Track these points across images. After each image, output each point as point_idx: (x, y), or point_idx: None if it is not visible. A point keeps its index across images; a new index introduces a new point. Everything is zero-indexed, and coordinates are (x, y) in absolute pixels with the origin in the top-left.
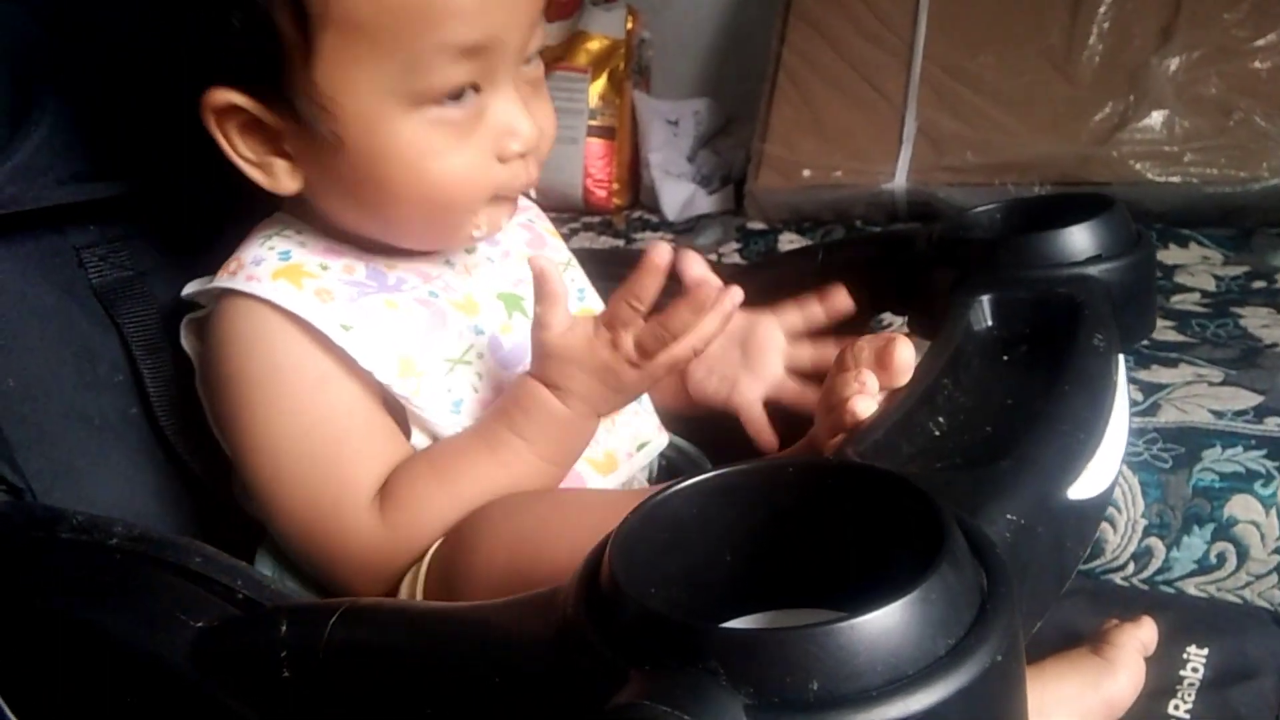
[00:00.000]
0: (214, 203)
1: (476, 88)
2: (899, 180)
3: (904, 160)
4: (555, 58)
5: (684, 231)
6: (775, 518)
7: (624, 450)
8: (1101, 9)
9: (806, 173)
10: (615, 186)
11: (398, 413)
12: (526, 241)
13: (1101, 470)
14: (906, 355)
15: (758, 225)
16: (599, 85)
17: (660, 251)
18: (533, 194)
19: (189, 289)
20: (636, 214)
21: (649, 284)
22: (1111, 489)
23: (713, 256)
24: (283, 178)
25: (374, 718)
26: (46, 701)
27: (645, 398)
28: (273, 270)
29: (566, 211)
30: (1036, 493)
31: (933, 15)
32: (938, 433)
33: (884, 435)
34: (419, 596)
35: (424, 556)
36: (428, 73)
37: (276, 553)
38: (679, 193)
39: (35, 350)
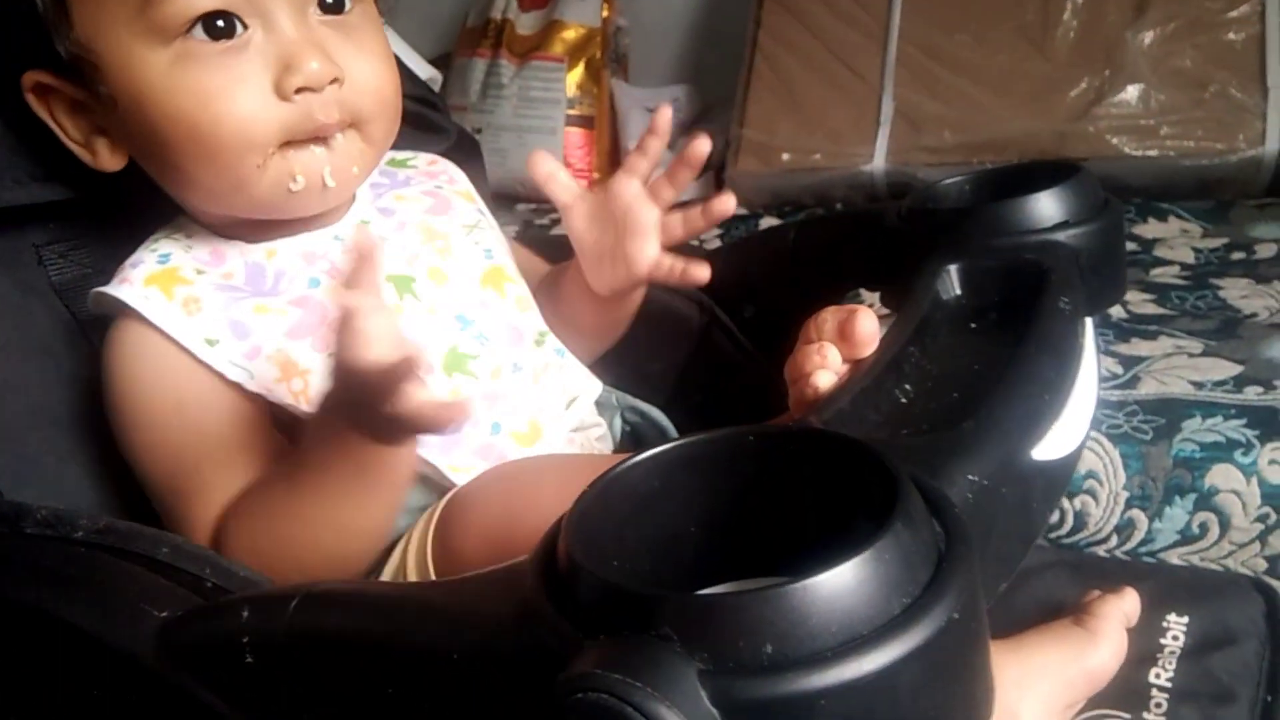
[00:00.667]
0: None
1: (239, 19)
2: (878, 162)
3: (882, 141)
4: (532, 47)
5: None
6: (738, 487)
7: (550, 412)
8: None
9: (785, 157)
10: (595, 176)
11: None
12: (428, 209)
13: (1068, 431)
14: (868, 326)
15: (738, 210)
16: (576, 74)
17: None
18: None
19: (90, 303)
20: None
21: None
22: (1079, 450)
23: (694, 242)
24: (104, 155)
25: (337, 700)
26: (14, 695)
27: (564, 351)
28: (146, 275)
29: (547, 201)
30: (999, 453)
31: None
32: (904, 400)
33: (849, 404)
34: (426, 562)
35: (425, 532)
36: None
37: None
38: None
39: (1, 348)
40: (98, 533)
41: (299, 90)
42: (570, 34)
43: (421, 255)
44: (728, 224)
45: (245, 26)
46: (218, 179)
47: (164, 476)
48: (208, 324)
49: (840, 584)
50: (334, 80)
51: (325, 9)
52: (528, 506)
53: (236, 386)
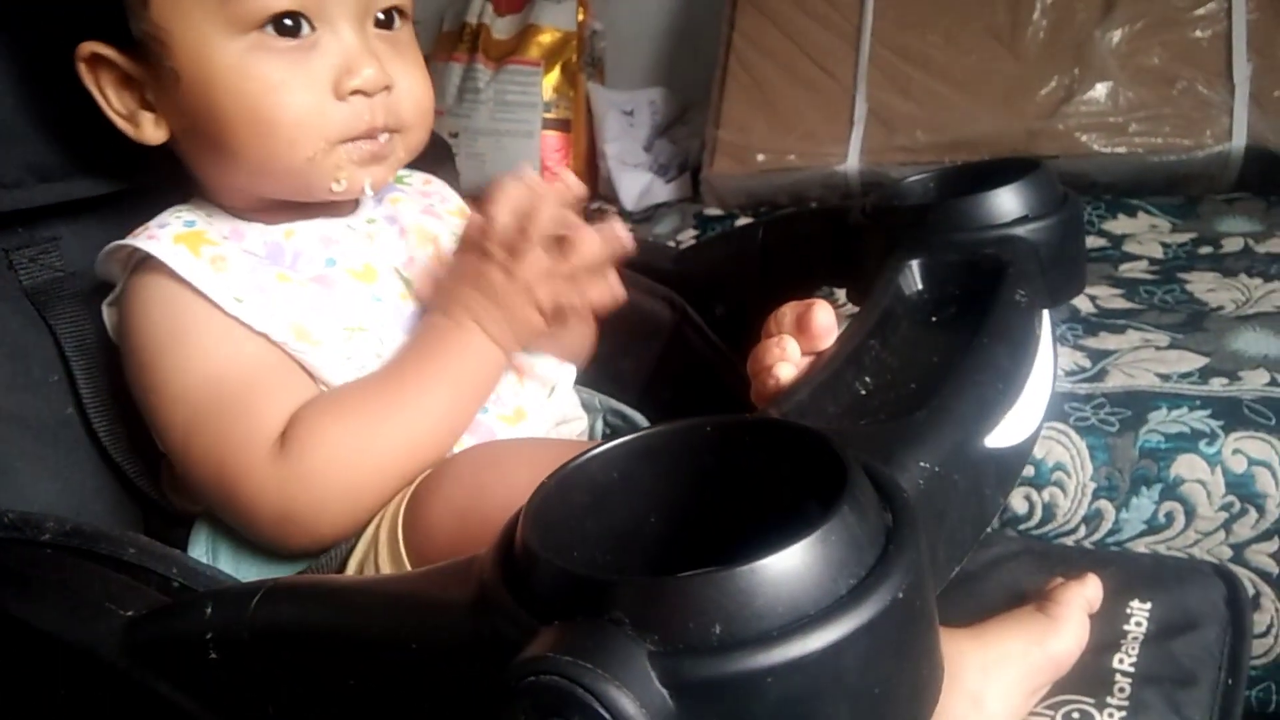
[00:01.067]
0: (142, 201)
1: (309, 21)
2: (851, 161)
3: (856, 141)
4: (507, 52)
5: (642, 220)
6: (696, 477)
7: (534, 402)
8: None
9: (760, 157)
10: None
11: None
12: (425, 209)
13: (1022, 420)
14: (825, 319)
15: (714, 211)
16: (552, 78)
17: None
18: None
19: (99, 261)
20: (595, 205)
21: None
22: (1034, 438)
23: (671, 243)
24: (148, 128)
25: (301, 693)
26: None
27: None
28: (174, 234)
29: None
30: (951, 441)
31: None
32: (863, 391)
33: (809, 396)
34: (398, 551)
35: (397, 507)
36: None
37: (208, 539)
38: (636, 182)
39: None
40: (64, 535)
41: (354, 92)
42: (546, 38)
43: (417, 259)
44: (704, 224)
45: (313, 29)
46: (269, 161)
47: (211, 401)
48: (233, 282)
49: (787, 566)
50: (385, 87)
51: (379, 24)
52: (498, 483)
53: (264, 336)
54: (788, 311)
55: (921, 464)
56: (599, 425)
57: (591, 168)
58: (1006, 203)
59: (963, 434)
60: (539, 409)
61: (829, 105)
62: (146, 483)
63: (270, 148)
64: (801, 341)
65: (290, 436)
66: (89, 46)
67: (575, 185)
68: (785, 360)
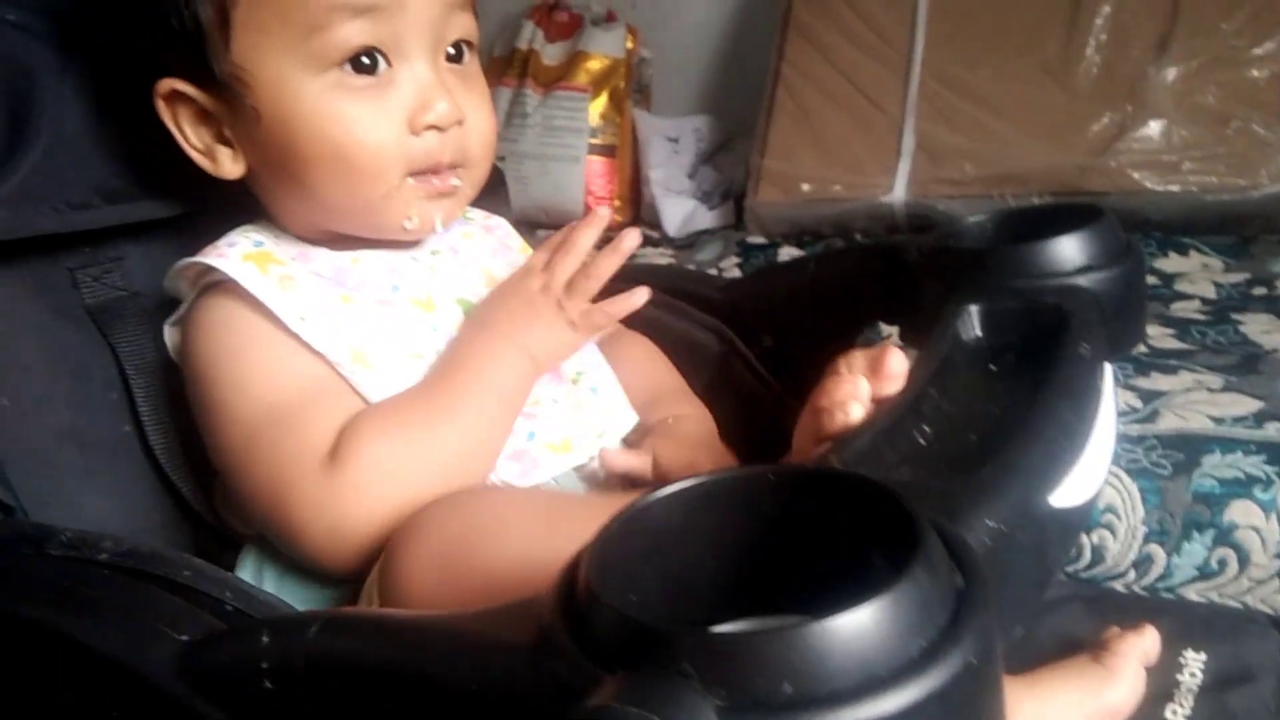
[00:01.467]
0: (208, 222)
1: (385, 57)
2: (897, 193)
3: (902, 173)
4: (556, 78)
5: (684, 247)
6: (757, 525)
7: (582, 436)
8: (1099, 20)
9: (805, 187)
10: (616, 204)
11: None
12: (491, 250)
13: (1085, 478)
14: (899, 365)
15: (758, 239)
16: (599, 104)
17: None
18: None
19: (168, 278)
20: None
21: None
22: (1096, 497)
23: (713, 271)
24: (225, 163)
25: None
26: (35, 717)
27: (614, 382)
28: (243, 253)
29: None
30: (1018, 499)
31: (930, 28)
32: (923, 441)
33: (869, 443)
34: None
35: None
36: (324, 32)
37: (255, 563)
38: (680, 209)
39: (29, 370)
40: (121, 555)
41: (428, 127)
42: (594, 65)
43: (477, 293)
44: (746, 253)
45: (389, 64)
46: (346, 198)
47: (265, 419)
48: (299, 301)
49: (860, 625)
50: (458, 121)
51: (449, 58)
52: (485, 538)
53: (322, 357)
54: (859, 355)
55: (988, 522)
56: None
57: (635, 193)
58: (1069, 251)
59: (1029, 492)
60: (585, 443)
61: (876, 136)
62: (200, 502)
63: (348, 185)
64: (873, 384)
65: (339, 449)
66: (169, 83)
67: (605, 217)
68: (857, 398)
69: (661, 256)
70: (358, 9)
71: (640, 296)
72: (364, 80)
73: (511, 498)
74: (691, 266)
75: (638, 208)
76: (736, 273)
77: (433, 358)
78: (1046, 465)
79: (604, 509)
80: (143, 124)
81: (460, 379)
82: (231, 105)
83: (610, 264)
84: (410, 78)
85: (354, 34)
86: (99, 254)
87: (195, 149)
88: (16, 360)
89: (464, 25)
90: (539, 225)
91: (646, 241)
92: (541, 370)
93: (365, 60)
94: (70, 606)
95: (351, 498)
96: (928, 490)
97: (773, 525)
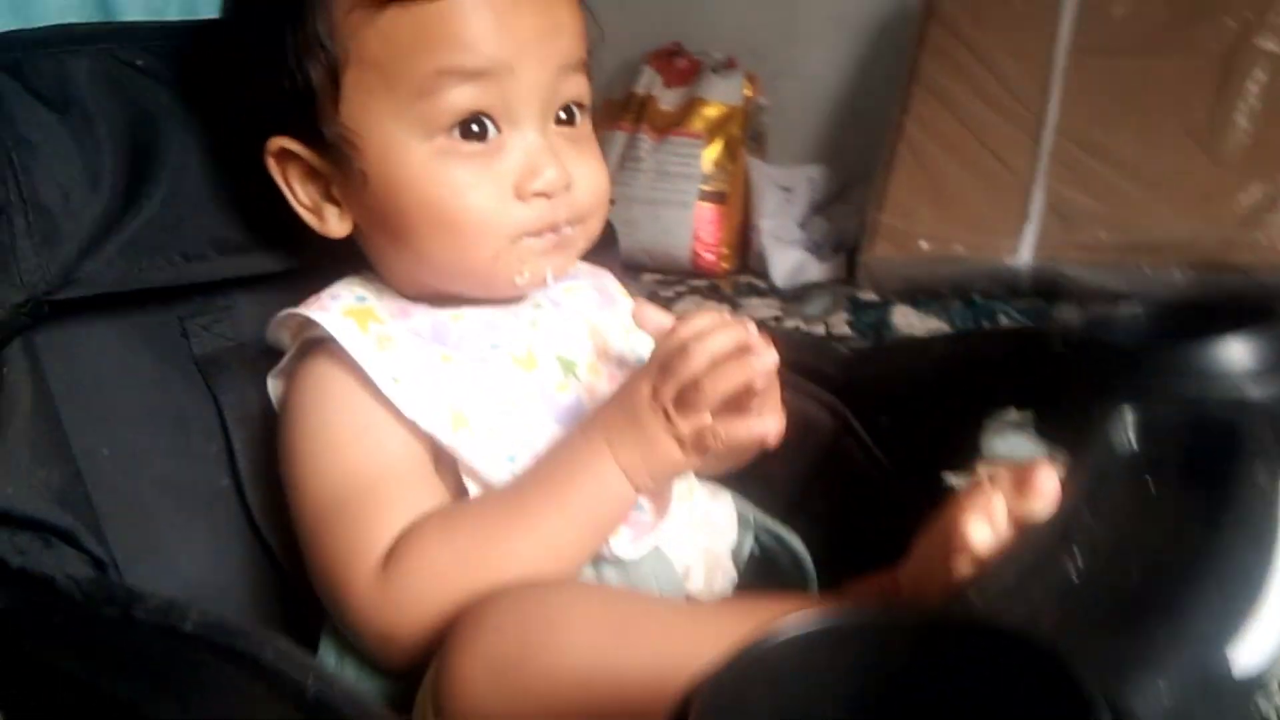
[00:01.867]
0: (318, 272)
1: (494, 123)
2: (1023, 255)
3: (1030, 235)
4: (672, 123)
5: (792, 299)
6: (887, 674)
7: (673, 492)
8: (1251, 84)
9: (923, 244)
10: (724, 251)
11: (451, 465)
12: (597, 304)
13: (1265, 638)
14: (1050, 485)
15: (869, 296)
16: (713, 151)
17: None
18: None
19: (271, 328)
20: (745, 279)
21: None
22: (1276, 659)
23: (820, 326)
24: (332, 221)
25: None
26: None
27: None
28: (344, 308)
29: (673, 274)
30: (1193, 661)
31: (1067, 88)
32: (1075, 577)
33: (1015, 579)
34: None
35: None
36: (433, 97)
37: (339, 636)
38: (789, 259)
39: (132, 420)
40: (206, 626)
41: (536, 194)
42: (711, 111)
43: (581, 350)
44: (857, 309)
45: (498, 130)
46: (454, 261)
47: (334, 502)
48: (396, 362)
49: None
50: (565, 187)
51: (560, 121)
52: (546, 643)
53: (412, 425)
54: (1005, 473)
55: (1160, 684)
56: (749, 542)
57: (744, 241)
58: (1239, 353)
59: (1206, 653)
60: (678, 502)
61: (1002, 196)
62: (290, 562)
63: (455, 249)
64: (1015, 504)
65: (395, 557)
66: (279, 142)
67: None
68: (996, 522)
69: (767, 307)
70: (467, 74)
71: (772, 433)
72: (473, 146)
73: (575, 596)
74: (799, 322)
75: (745, 256)
76: (845, 329)
77: (530, 416)
78: (1225, 620)
79: (676, 616)
80: (258, 183)
81: (543, 490)
82: (339, 166)
83: (735, 379)
84: (519, 144)
85: (463, 99)
86: (210, 303)
87: (303, 206)
88: (121, 410)
89: (576, 88)
90: (643, 269)
91: (753, 291)
92: (641, 491)
93: (475, 127)
94: (147, 682)
95: (401, 611)
96: (1088, 648)
97: (906, 676)
